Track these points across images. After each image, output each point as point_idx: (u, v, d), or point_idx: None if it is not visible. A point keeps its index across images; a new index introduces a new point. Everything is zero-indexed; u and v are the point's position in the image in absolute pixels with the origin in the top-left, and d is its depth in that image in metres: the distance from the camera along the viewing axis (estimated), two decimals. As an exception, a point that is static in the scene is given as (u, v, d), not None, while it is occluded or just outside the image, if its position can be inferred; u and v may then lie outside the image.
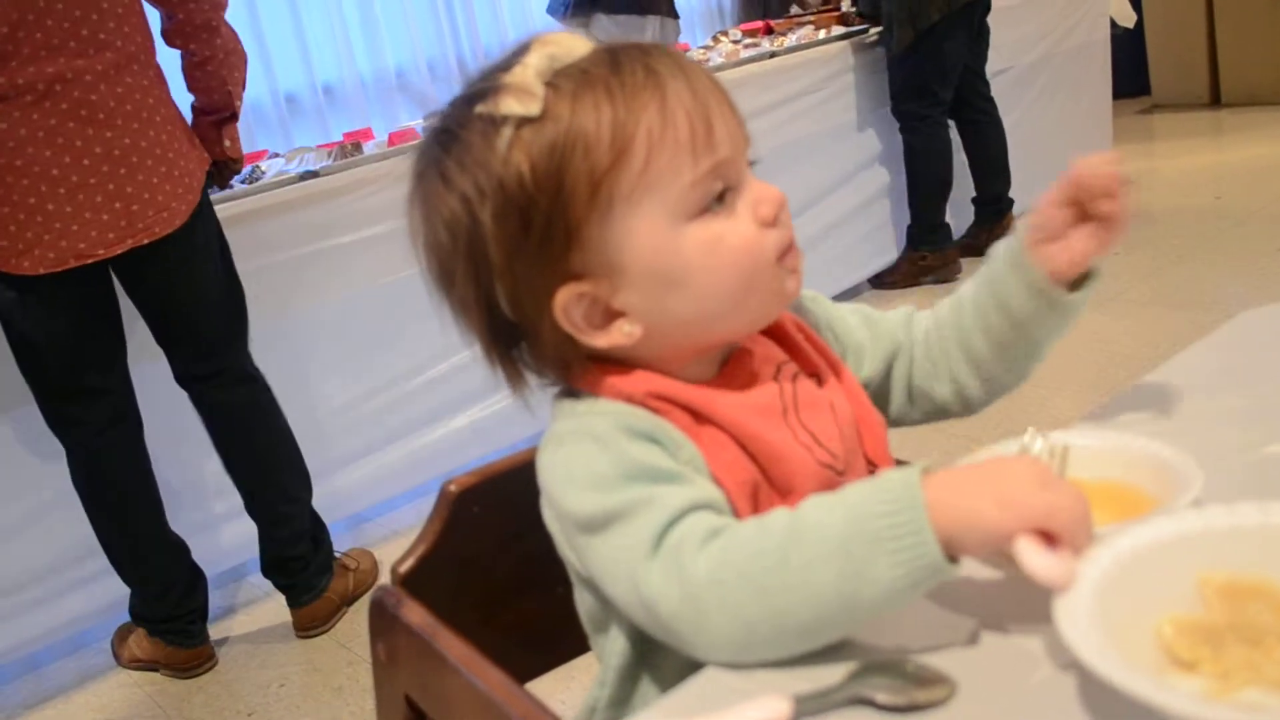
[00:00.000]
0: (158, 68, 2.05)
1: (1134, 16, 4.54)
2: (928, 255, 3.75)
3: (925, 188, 3.68)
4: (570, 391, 0.77)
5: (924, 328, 0.90)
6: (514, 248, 0.70)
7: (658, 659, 0.75)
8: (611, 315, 0.73)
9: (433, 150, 0.74)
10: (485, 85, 0.71)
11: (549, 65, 0.69)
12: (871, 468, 0.80)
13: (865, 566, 0.59)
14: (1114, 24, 4.46)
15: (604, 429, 0.71)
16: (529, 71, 0.69)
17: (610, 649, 0.78)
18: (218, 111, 2.21)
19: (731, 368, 0.78)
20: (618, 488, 0.68)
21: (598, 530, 0.68)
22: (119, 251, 1.97)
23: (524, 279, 0.71)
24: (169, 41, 2.13)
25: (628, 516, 0.67)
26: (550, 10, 4.31)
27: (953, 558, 0.59)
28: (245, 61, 2.23)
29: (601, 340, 0.73)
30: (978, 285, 0.86)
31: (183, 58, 2.15)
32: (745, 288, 0.73)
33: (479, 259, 0.72)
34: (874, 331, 0.89)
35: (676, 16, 4.51)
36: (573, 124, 0.68)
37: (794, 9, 4.80)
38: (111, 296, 2.09)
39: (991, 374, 0.86)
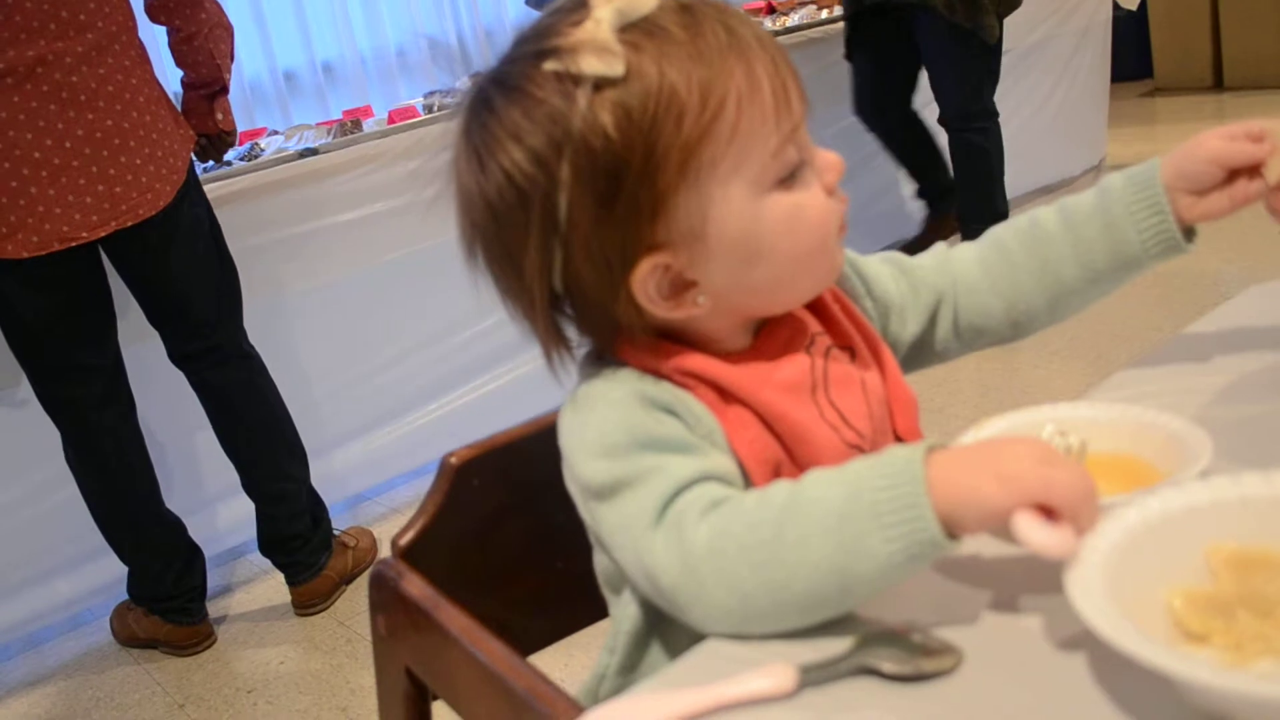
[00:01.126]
0: (140, 47, 2.04)
1: (1137, -1, 4.51)
2: None
3: (994, 184, 3.40)
4: (598, 354, 0.76)
5: (967, 266, 0.88)
6: (595, 214, 0.67)
7: (667, 627, 0.74)
8: (685, 285, 0.71)
9: (494, 102, 0.68)
10: (553, 42, 0.66)
11: (620, 20, 0.65)
12: None
13: (861, 540, 0.58)
14: (1116, 6, 4.44)
15: (621, 396, 0.70)
16: (604, 27, 0.65)
17: (622, 614, 0.77)
18: (207, 86, 2.20)
19: (764, 340, 0.76)
20: (628, 456, 0.67)
21: (607, 497, 0.68)
22: (103, 234, 1.96)
23: (603, 248, 0.68)
24: (152, 17, 2.12)
25: (635, 485, 0.66)
26: None
27: (953, 535, 0.58)
28: (232, 34, 2.22)
29: (674, 312, 0.71)
30: (1085, 218, 0.84)
31: (168, 34, 2.14)
32: (814, 256, 0.72)
33: (551, 224, 0.67)
34: (913, 283, 0.88)
35: None
36: (662, 87, 0.65)
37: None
38: (101, 276, 2.08)
39: (1061, 305, 0.86)
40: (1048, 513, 0.56)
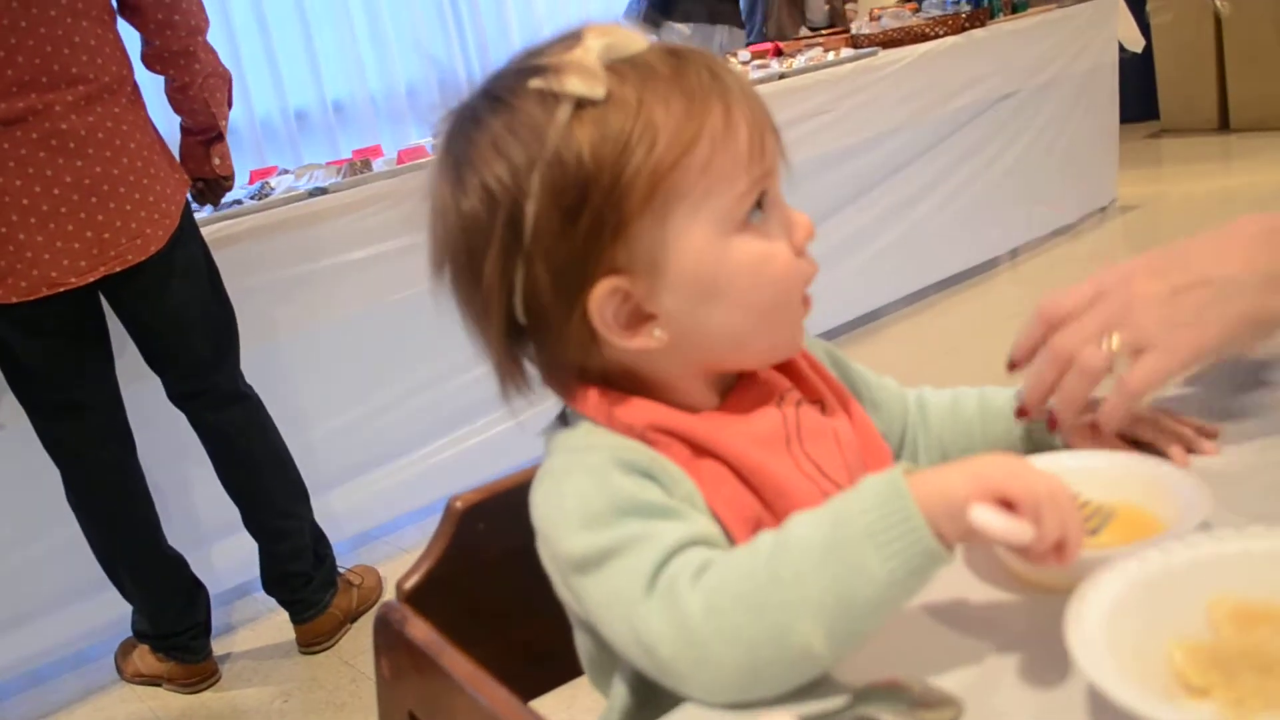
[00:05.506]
0: (132, 94, 2.05)
1: (1143, 40, 4.54)
2: None
3: None
4: (564, 421, 0.75)
5: (938, 416, 0.90)
6: (559, 229, 0.67)
7: (661, 704, 0.72)
8: (643, 317, 0.71)
9: (478, 114, 0.70)
10: (542, 62, 0.68)
11: (609, 53, 0.67)
12: None
13: (859, 565, 0.57)
14: (1122, 48, 4.47)
15: (598, 463, 0.68)
16: (591, 54, 0.67)
17: (613, 692, 0.76)
18: (204, 132, 2.22)
19: (736, 395, 0.76)
20: (612, 524, 0.65)
21: (592, 570, 0.65)
22: (92, 279, 1.97)
23: (563, 264, 0.68)
24: (148, 66, 2.13)
25: (621, 554, 0.64)
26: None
27: (946, 545, 0.58)
28: (229, 82, 2.24)
29: (629, 341, 0.70)
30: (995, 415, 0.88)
31: (165, 82, 2.16)
32: (776, 312, 0.72)
33: (515, 234, 0.67)
34: (886, 395, 0.90)
35: (742, 26, 4.61)
36: (640, 114, 0.66)
37: (803, 30, 4.82)
38: (97, 317, 2.09)
39: None
40: (1011, 508, 0.58)
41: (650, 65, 0.68)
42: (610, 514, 0.65)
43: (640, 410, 0.71)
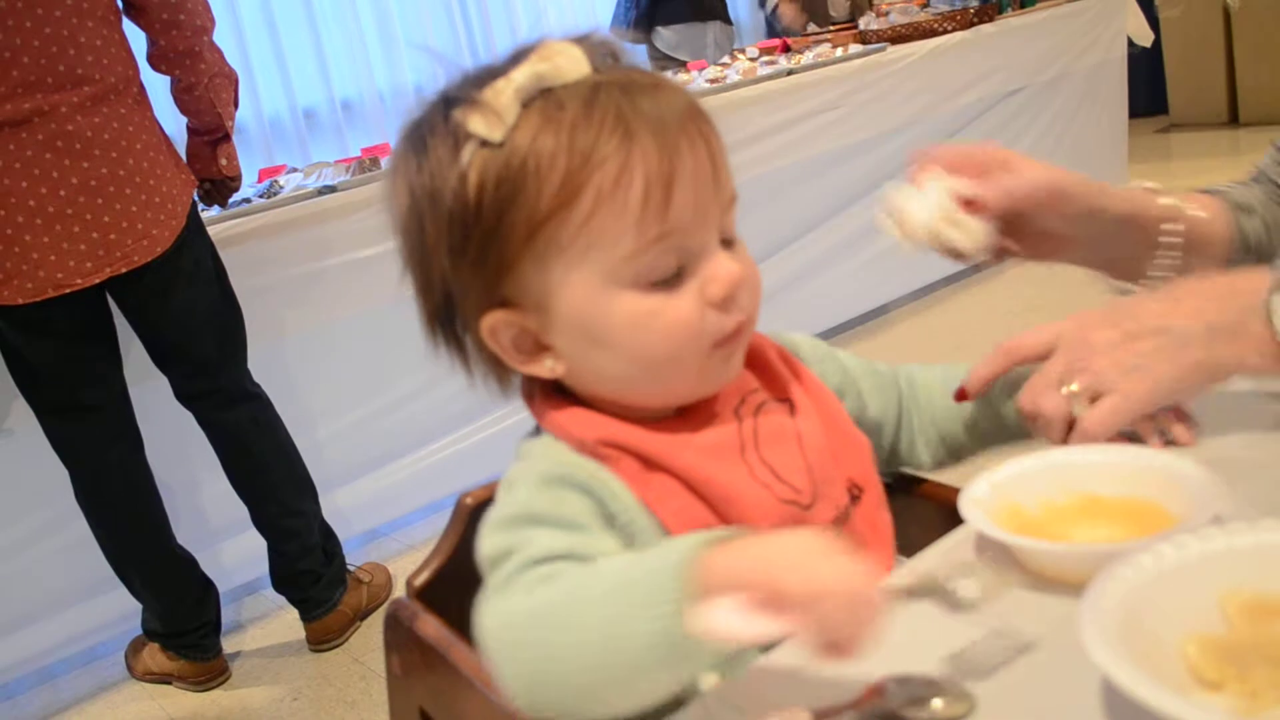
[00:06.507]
0: (139, 94, 2.05)
1: (1151, 35, 4.53)
2: None
3: None
4: (535, 430, 0.76)
5: (928, 394, 0.90)
6: (453, 260, 0.70)
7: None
8: (540, 347, 0.72)
9: (404, 146, 0.73)
10: (465, 93, 0.69)
11: (534, 85, 0.67)
12: (856, 492, 0.78)
13: (626, 620, 0.56)
14: (1131, 42, 4.46)
15: (531, 476, 0.70)
16: (506, 93, 0.67)
17: None
18: (210, 132, 2.21)
19: (690, 407, 0.75)
20: (511, 529, 0.67)
21: (488, 569, 0.66)
22: (97, 281, 1.97)
23: (460, 290, 0.71)
24: (154, 66, 2.13)
25: (506, 558, 0.65)
26: (610, 29, 4.38)
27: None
28: (235, 82, 2.23)
29: (525, 368, 0.73)
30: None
31: (170, 82, 2.16)
32: (669, 365, 0.70)
33: (426, 256, 0.71)
34: (875, 380, 0.89)
35: (730, 23, 4.63)
36: (525, 162, 0.66)
37: (811, 27, 4.81)
38: (104, 318, 2.09)
39: (965, 451, 0.90)
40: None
41: (561, 105, 0.67)
42: (517, 521, 0.67)
43: (589, 424, 0.72)
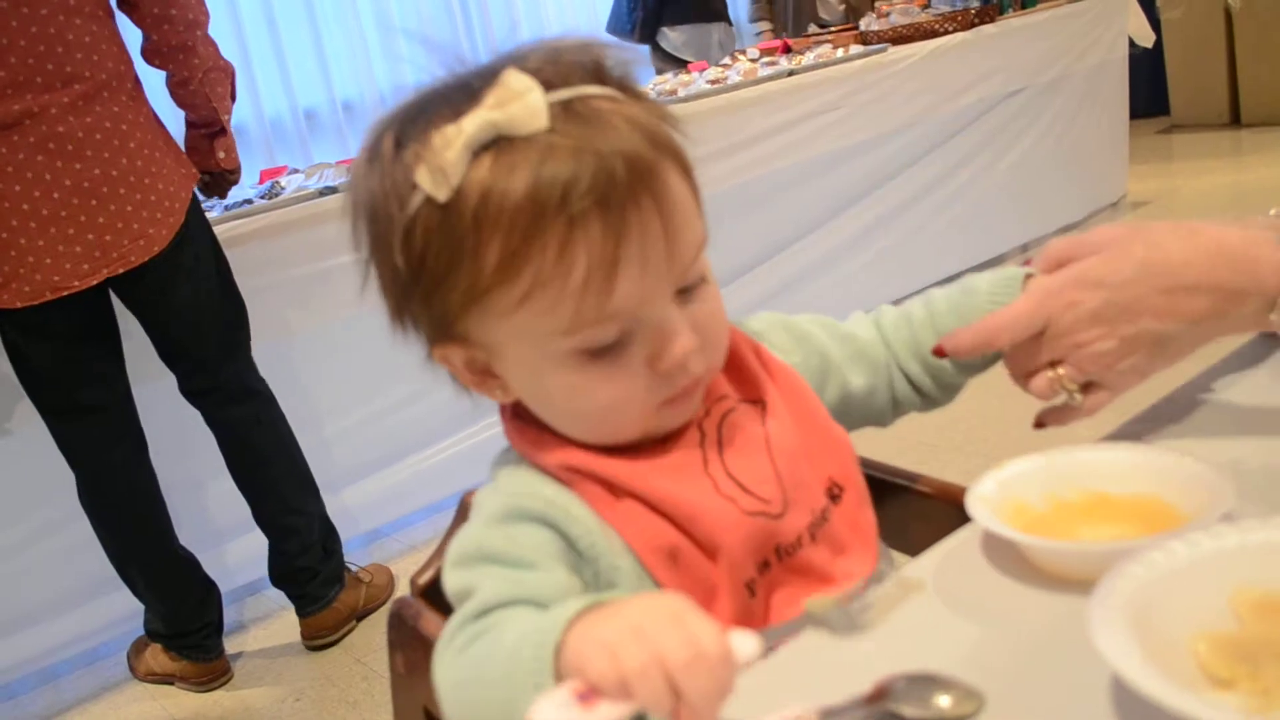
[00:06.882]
0: (133, 90, 2.03)
1: (1153, 35, 4.53)
2: None
3: None
4: (505, 451, 0.77)
5: (896, 336, 0.87)
6: (402, 292, 0.70)
7: None
8: (491, 374, 0.73)
9: (365, 153, 0.70)
10: (416, 133, 0.66)
11: (485, 135, 0.63)
12: (836, 491, 0.77)
13: (519, 697, 0.57)
14: (1132, 43, 4.45)
15: (493, 509, 0.71)
16: (455, 145, 0.63)
17: None
18: (207, 126, 2.19)
19: None
20: (469, 567, 0.68)
21: (455, 603, 0.68)
22: (95, 283, 1.96)
23: (412, 315, 0.71)
24: (148, 61, 2.12)
25: (461, 599, 0.67)
26: (612, 29, 4.37)
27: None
28: (230, 75, 2.20)
29: (478, 390, 0.74)
30: (954, 307, 0.85)
31: (165, 77, 2.15)
32: (612, 423, 0.71)
33: (384, 265, 0.71)
34: (852, 349, 0.86)
35: (732, 24, 4.67)
36: (466, 236, 0.64)
37: (811, 28, 4.81)
38: (104, 318, 2.09)
39: (955, 385, 0.88)
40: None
41: (511, 168, 0.63)
42: (471, 559, 0.69)
43: (550, 450, 0.73)
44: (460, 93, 0.66)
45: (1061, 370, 0.78)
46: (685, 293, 0.69)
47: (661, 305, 0.67)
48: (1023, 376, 0.80)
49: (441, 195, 0.64)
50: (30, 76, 1.88)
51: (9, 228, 1.89)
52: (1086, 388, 0.79)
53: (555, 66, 0.66)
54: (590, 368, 0.67)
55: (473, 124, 0.63)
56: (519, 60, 0.67)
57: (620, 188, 0.63)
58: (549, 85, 0.65)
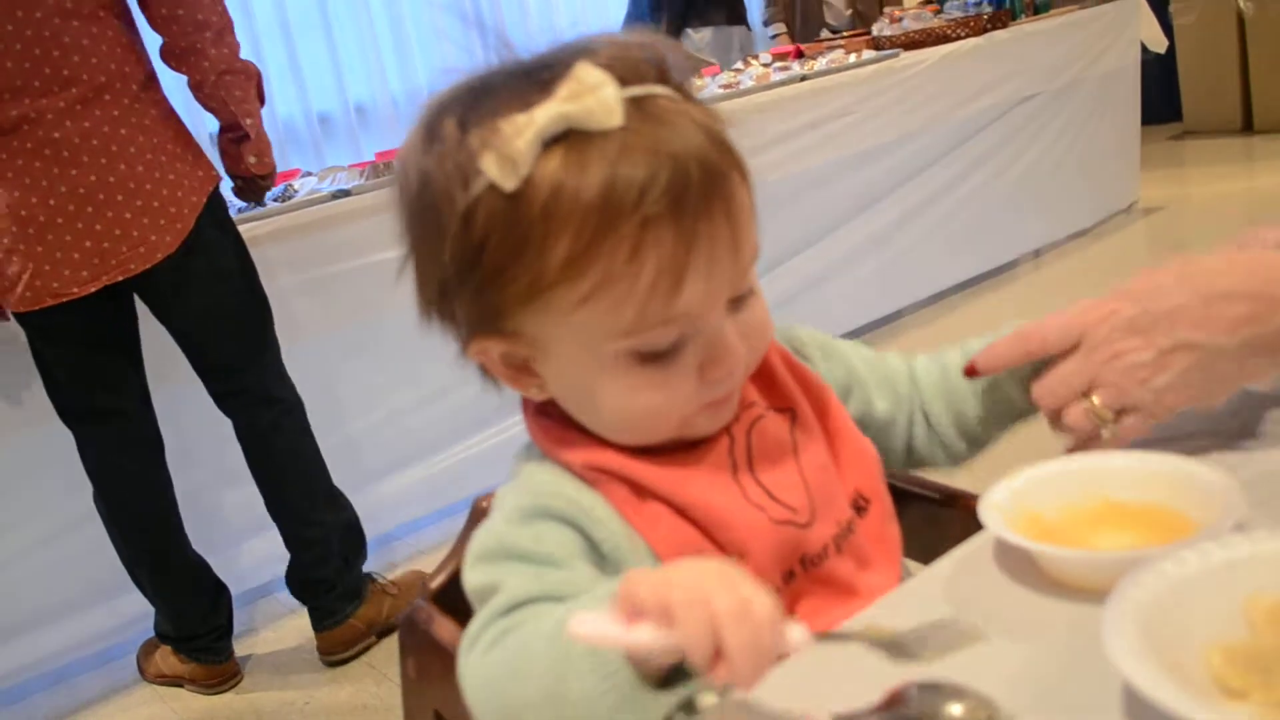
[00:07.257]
0: (138, 93, 1.98)
1: (1165, 41, 4.52)
2: None
3: None
4: (528, 447, 0.76)
5: (931, 389, 0.87)
6: (453, 281, 0.67)
7: None
8: (530, 371, 0.71)
9: (421, 131, 0.68)
10: (483, 118, 0.64)
11: (557, 127, 0.62)
12: (862, 504, 0.77)
13: (567, 678, 0.56)
14: (1145, 49, 4.45)
15: (514, 505, 0.70)
16: (525, 135, 0.62)
17: None
18: (231, 130, 2.13)
19: None
20: (492, 563, 0.67)
21: (476, 602, 0.67)
22: (94, 289, 1.95)
23: (457, 305, 0.69)
24: (164, 62, 2.08)
25: (485, 596, 0.66)
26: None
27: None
28: (251, 78, 2.11)
29: (513, 385, 0.72)
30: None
31: (186, 79, 2.10)
32: (652, 425, 0.70)
33: (428, 255, 0.69)
34: (880, 374, 0.87)
35: (751, 29, 4.69)
36: (534, 226, 0.63)
37: (824, 33, 4.82)
38: (118, 323, 2.08)
39: (981, 439, 0.87)
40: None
41: (582, 166, 0.62)
42: (496, 556, 0.67)
43: (577, 449, 0.72)
44: (527, 81, 0.65)
45: (1096, 399, 0.76)
46: (736, 301, 0.69)
47: (719, 313, 0.67)
48: (1055, 409, 0.78)
49: (509, 184, 0.62)
50: (28, 80, 1.87)
51: (9, 233, 1.89)
52: (1119, 417, 0.76)
53: (625, 62, 0.65)
54: (640, 370, 0.67)
55: (545, 115, 0.62)
56: (588, 53, 0.65)
57: (694, 192, 0.63)
58: (622, 81, 0.63)
